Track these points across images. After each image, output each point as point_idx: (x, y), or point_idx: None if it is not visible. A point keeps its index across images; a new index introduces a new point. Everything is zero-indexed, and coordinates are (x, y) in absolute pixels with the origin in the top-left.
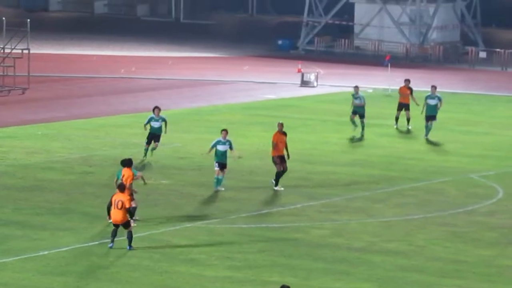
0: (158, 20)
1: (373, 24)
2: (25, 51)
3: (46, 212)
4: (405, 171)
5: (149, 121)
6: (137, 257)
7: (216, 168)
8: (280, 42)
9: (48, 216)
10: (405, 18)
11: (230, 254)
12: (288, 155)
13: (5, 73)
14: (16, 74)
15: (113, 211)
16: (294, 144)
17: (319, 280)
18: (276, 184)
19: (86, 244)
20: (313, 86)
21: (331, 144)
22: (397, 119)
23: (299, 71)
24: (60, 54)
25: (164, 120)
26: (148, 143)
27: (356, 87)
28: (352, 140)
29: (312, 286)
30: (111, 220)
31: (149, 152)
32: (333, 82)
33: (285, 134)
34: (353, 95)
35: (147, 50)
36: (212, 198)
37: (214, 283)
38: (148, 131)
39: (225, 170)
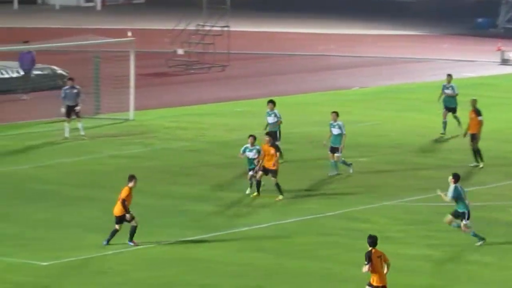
0: None
1: None
2: (225, 29)
3: (244, 189)
4: None
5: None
6: (336, 235)
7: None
8: (479, 20)
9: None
10: None
11: (428, 232)
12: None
13: (205, 51)
14: (216, 51)
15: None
16: (492, 123)
17: None
18: (478, 161)
19: (284, 221)
20: None
21: None
22: None
23: (498, 49)
24: (259, 32)
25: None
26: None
27: None
28: None
29: (510, 265)
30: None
31: None
32: None
33: (476, 111)
34: None
35: (345, 28)
36: (410, 176)
37: (412, 261)
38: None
39: (336, 154)
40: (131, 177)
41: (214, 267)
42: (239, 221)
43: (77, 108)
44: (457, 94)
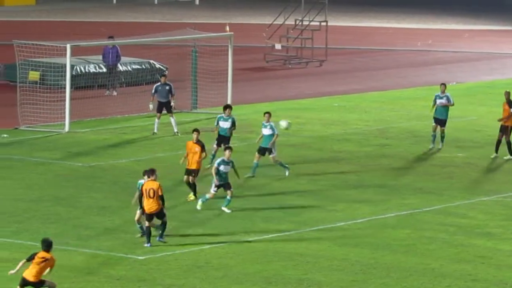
0: None
1: None
2: (323, 23)
3: (341, 184)
4: None
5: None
6: (433, 230)
7: None
8: None
9: (343, 187)
10: None
11: None
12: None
13: (303, 45)
14: (314, 46)
15: (146, 201)
16: None
17: None
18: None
19: (382, 216)
20: None
21: None
22: None
23: None
24: (356, 27)
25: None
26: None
27: None
28: None
29: None
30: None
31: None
32: None
33: (510, 103)
34: None
35: (443, 23)
36: (506, 172)
37: (509, 257)
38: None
39: (272, 155)
40: (152, 171)
41: (312, 262)
42: (336, 216)
43: (171, 103)
44: (452, 105)
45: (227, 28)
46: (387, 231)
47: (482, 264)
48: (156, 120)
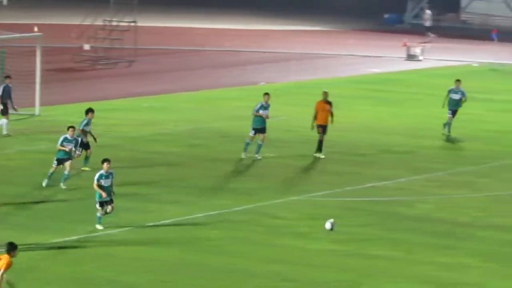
0: None
1: None
2: (132, 24)
3: (153, 185)
4: (511, 146)
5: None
6: (242, 230)
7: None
8: (386, 16)
9: (154, 188)
10: None
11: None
12: (331, 121)
13: (112, 46)
14: (123, 46)
15: None
16: (400, 118)
17: (422, 254)
18: (318, 151)
19: (192, 216)
20: (419, 60)
21: (437, 118)
22: None
23: (404, 45)
24: (166, 27)
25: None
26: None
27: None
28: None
29: (415, 260)
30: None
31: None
32: (439, 56)
33: (329, 103)
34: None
35: (253, 24)
36: (317, 171)
37: (318, 257)
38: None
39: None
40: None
41: (123, 264)
42: (146, 217)
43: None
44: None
45: (36, 29)
46: (197, 232)
47: (291, 264)
48: None
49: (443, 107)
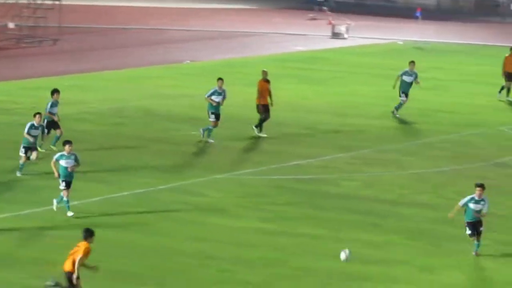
0: None
1: None
2: (56, 2)
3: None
4: (436, 124)
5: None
6: (168, 208)
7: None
8: None
9: (80, 167)
10: None
11: (261, 205)
12: (271, 103)
13: (36, 24)
14: (48, 25)
15: None
16: (325, 97)
17: (348, 232)
18: (259, 131)
19: (117, 195)
20: (344, 38)
21: (362, 96)
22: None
23: (329, 23)
24: (90, 6)
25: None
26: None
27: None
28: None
29: (341, 237)
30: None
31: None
32: (364, 34)
33: (268, 81)
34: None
35: (178, 2)
36: (243, 150)
37: (246, 235)
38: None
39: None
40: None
41: (48, 242)
42: (72, 195)
43: None
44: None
45: None
46: (122, 210)
47: (217, 242)
48: None
49: (393, 88)
